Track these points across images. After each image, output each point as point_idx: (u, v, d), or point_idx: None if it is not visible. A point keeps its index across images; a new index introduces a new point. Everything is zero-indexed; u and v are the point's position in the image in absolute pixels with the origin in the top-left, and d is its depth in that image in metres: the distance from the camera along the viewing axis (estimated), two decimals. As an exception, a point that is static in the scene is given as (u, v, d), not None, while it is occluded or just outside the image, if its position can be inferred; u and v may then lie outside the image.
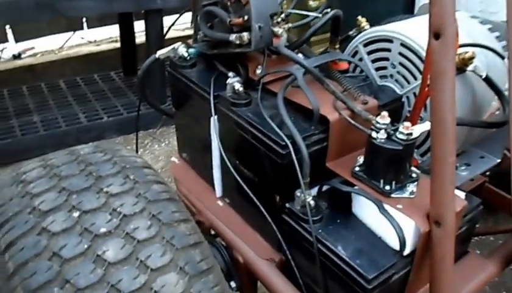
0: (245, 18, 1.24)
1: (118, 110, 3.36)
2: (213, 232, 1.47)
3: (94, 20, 4.19)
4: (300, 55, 1.39)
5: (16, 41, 3.97)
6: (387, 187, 1.08)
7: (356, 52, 1.49)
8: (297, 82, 1.21)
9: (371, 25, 1.52)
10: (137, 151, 1.99)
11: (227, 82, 1.27)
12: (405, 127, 1.05)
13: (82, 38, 4.42)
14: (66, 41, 4.32)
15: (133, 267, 0.87)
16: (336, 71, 1.30)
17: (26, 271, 0.85)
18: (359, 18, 1.53)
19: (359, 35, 1.47)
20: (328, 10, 1.46)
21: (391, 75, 1.41)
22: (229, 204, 1.44)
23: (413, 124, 1.21)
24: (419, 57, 1.31)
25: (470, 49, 1.27)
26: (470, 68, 1.28)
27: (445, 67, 0.91)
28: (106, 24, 4.23)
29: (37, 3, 2.74)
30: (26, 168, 1.10)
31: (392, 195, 1.09)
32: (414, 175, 1.12)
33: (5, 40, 3.95)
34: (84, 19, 4.21)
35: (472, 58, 1.26)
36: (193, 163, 1.60)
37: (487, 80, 1.30)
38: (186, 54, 1.44)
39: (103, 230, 0.90)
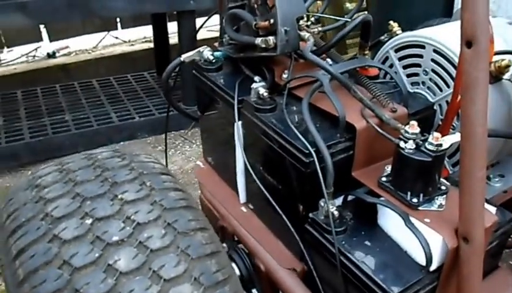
0: (271, 21, 1.21)
1: (150, 111, 3.37)
2: (236, 238, 1.44)
3: (128, 20, 4.22)
4: (328, 60, 1.35)
5: (51, 40, 4.02)
6: (415, 200, 1.03)
7: (387, 58, 1.44)
8: (323, 88, 1.17)
9: (408, 29, 1.46)
10: (166, 152, 1.98)
11: (252, 86, 1.23)
12: (434, 138, 1.00)
13: (116, 37, 4.47)
14: (100, 41, 4.38)
15: (145, 277, 0.84)
16: (364, 77, 1.25)
17: (36, 279, 0.83)
18: (391, 22, 1.47)
19: (390, 40, 1.42)
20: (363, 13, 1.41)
21: (423, 83, 1.35)
22: (252, 211, 1.41)
23: (444, 134, 1.16)
24: (453, 64, 1.25)
25: (507, 57, 1.21)
26: (506, 76, 1.22)
27: (478, 77, 0.85)
28: (140, 25, 4.26)
29: (70, 3, 2.77)
30: (42, 172, 1.09)
31: (420, 208, 1.03)
32: (443, 187, 1.07)
33: (40, 39, 4.01)
34: (118, 20, 4.24)
35: (508, 66, 1.20)
36: (218, 167, 1.58)
37: (525, 89, 1.23)
38: (211, 57, 1.42)
39: (115, 238, 0.88)
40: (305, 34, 1.23)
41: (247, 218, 1.39)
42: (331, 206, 1.07)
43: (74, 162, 1.10)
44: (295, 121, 1.16)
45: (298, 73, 1.27)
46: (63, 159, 1.14)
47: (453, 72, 1.25)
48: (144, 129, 3.27)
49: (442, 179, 1.09)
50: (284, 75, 1.29)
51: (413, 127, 1.03)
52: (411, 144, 1.01)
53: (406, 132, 1.03)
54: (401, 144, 1.02)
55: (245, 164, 1.30)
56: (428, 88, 1.34)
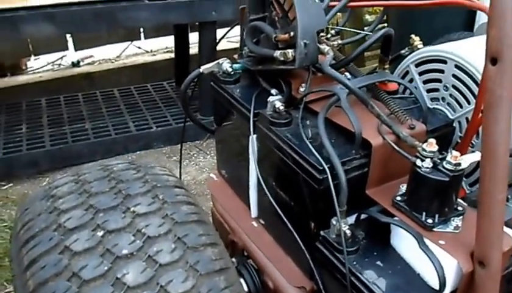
0: (291, 34, 1.20)
1: (167, 120, 3.39)
2: (245, 253, 1.42)
3: (151, 31, 4.26)
4: (346, 74, 1.33)
5: (76, 49, 4.08)
6: (430, 220, 1.00)
7: (407, 72, 1.41)
8: (340, 103, 1.15)
9: (428, 42, 1.44)
10: (181, 163, 1.98)
11: (268, 100, 1.22)
12: (453, 157, 0.97)
13: (139, 47, 4.51)
14: (123, 51, 4.42)
15: (152, 292, 0.83)
16: (383, 92, 1.22)
17: (45, 291, 0.83)
18: (413, 36, 1.45)
19: (411, 55, 1.40)
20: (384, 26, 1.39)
21: (443, 98, 1.33)
22: (263, 226, 1.39)
23: (463, 152, 1.13)
24: (474, 80, 1.23)
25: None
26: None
27: (501, 95, 0.83)
28: (162, 35, 4.29)
29: (96, 14, 2.82)
30: (59, 182, 1.10)
31: (435, 229, 1.00)
32: (460, 208, 1.03)
33: (66, 48, 4.07)
34: (141, 30, 4.28)
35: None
36: (231, 180, 1.56)
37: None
38: (230, 69, 1.41)
39: (125, 252, 0.87)
40: (324, 47, 1.21)
41: (258, 233, 1.38)
42: (344, 224, 1.05)
43: (91, 173, 1.11)
44: (311, 135, 1.14)
45: (316, 87, 1.26)
46: (81, 169, 1.15)
47: (475, 88, 1.23)
48: (160, 138, 3.28)
49: (459, 200, 1.06)
50: (302, 89, 1.28)
51: (431, 145, 1.00)
52: (428, 163, 0.99)
53: (424, 150, 1.01)
54: (418, 162, 1.00)
55: (258, 178, 1.29)
56: (448, 104, 1.31)
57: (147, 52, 4.52)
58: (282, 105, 1.20)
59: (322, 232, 1.10)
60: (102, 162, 1.19)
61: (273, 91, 1.30)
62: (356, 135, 1.08)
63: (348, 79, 1.28)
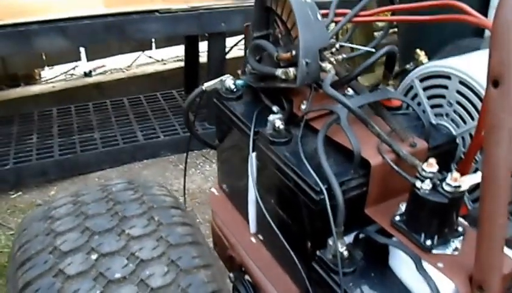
0: (293, 52, 1.19)
1: (175, 129, 3.40)
2: (243, 269, 1.41)
3: (162, 40, 4.27)
4: (349, 89, 1.31)
5: (88, 59, 4.11)
6: (429, 242, 0.98)
7: (411, 87, 1.39)
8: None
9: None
10: (185, 172, 1.98)
11: (268, 118, 1.21)
12: (453, 178, 0.95)
13: (150, 57, 4.54)
14: (135, 60, 4.45)
15: (143, 315, 0.83)
16: (385, 108, 1.21)
17: None
18: (418, 50, 1.43)
19: (415, 70, 1.37)
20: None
21: (447, 114, 1.30)
22: (262, 242, 1.37)
23: (466, 169, 1.11)
24: (479, 96, 1.20)
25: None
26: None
27: (504, 118, 0.80)
28: (173, 44, 4.31)
29: (106, 26, 2.85)
30: (58, 203, 1.10)
31: (434, 251, 0.98)
32: (460, 229, 1.01)
33: (78, 59, 4.11)
34: (153, 40, 4.29)
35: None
36: (231, 195, 1.55)
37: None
38: (233, 86, 1.40)
39: (117, 276, 0.87)
40: (326, 65, 1.20)
41: (256, 249, 1.36)
42: (341, 245, 1.03)
43: (89, 194, 1.13)
44: (310, 155, 1.12)
45: (317, 104, 1.24)
46: (80, 190, 1.16)
47: (479, 104, 1.20)
48: (167, 147, 3.30)
49: (460, 219, 1.04)
50: (303, 106, 1.26)
51: (431, 166, 0.98)
52: (427, 184, 0.96)
53: (423, 170, 0.98)
54: (417, 183, 0.98)
55: (253, 196, 1.28)
56: (452, 120, 1.29)
57: (158, 61, 4.54)
58: (282, 124, 1.19)
59: (318, 252, 1.08)
60: (102, 183, 1.20)
61: (275, 108, 1.29)
62: (354, 154, 1.06)
63: (351, 96, 1.27)
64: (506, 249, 1.01)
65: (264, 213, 1.21)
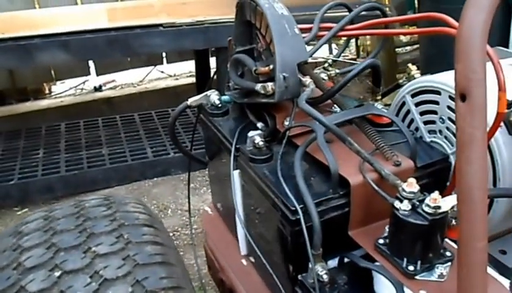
0: (271, 67, 1.16)
1: (186, 147, 3.34)
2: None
3: (174, 55, 4.28)
4: (335, 106, 1.27)
5: (98, 74, 4.13)
6: (411, 267, 0.93)
7: (404, 103, 1.34)
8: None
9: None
10: (189, 191, 1.94)
11: (248, 135, 1.17)
12: (432, 199, 0.90)
13: (162, 72, 4.55)
14: (147, 75, 4.46)
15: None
16: (369, 125, 1.16)
17: None
18: (409, 65, 1.38)
19: (407, 84, 1.33)
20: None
21: (440, 131, 1.25)
22: (253, 265, 1.33)
23: (450, 192, 1.06)
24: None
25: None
26: (528, 127, 1.10)
27: (473, 134, 0.75)
28: (185, 59, 4.31)
29: (109, 41, 2.85)
30: (29, 218, 1.09)
31: (417, 277, 0.92)
32: (448, 254, 0.95)
33: (88, 73, 4.13)
34: (164, 54, 4.30)
35: (530, 113, 1.08)
36: (224, 215, 1.51)
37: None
38: (217, 102, 1.37)
39: (79, 294, 0.84)
40: (306, 80, 1.16)
41: (246, 273, 1.31)
42: (321, 268, 0.98)
43: (62, 209, 1.11)
44: (289, 173, 1.08)
45: (299, 121, 1.20)
46: (54, 205, 1.14)
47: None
48: (178, 165, 3.22)
49: (449, 242, 0.98)
50: (286, 123, 1.23)
51: (411, 186, 0.93)
52: (406, 205, 0.92)
53: (404, 190, 0.94)
54: (397, 204, 0.93)
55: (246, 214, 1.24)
56: (446, 137, 1.24)
57: (171, 76, 4.55)
58: (262, 141, 1.15)
59: (299, 276, 1.04)
60: (79, 198, 1.17)
61: (259, 124, 1.26)
62: (332, 173, 1.02)
63: (335, 112, 1.23)
64: (499, 277, 0.96)
65: (246, 234, 1.17)
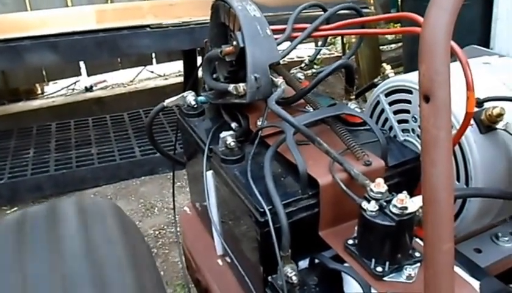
0: (234, 43, 1.16)
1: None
2: (209, 293, 1.36)
3: (163, 55, 4.27)
4: (307, 106, 1.27)
5: (89, 74, 4.12)
6: (379, 269, 0.92)
7: (378, 102, 1.34)
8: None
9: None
10: (173, 189, 1.94)
11: (220, 135, 1.17)
12: (399, 200, 0.89)
13: (152, 72, 4.54)
14: (137, 75, 4.45)
15: None
16: (341, 125, 1.15)
17: None
18: (384, 64, 1.38)
19: (381, 84, 1.33)
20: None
21: (413, 130, 1.25)
22: (229, 265, 1.32)
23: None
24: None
25: (500, 104, 1.09)
26: (500, 125, 1.10)
27: (437, 135, 0.75)
28: (174, 59, 4.30)
29: (97, 42, 2.85)
30: None
31: (385, 278, 0.92)
32: (417, 254, 0.95)
33: (79, 74, 4.12)
34: (153, 55, 4.29)
35: (500, 114, 1.08)
36: (202, 215, 1.51)
37: (523, 140, 1.09)
38: (193, 102, 1.37)
39: None
40: (278, 80, 1.16)
41: (221, 273, 1.31)
42: (291, 270, 0.98)
43: None
44: (259, 174, 1.08)
45: (272, 121, 1.20)
46: None
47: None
48: (165, 164, 3.22)
49: (420, 242, 0.98)
50: (259, 123, 1.22)
51: (378, 186, 0.93)
52: (373, 206, 0.91)
53: (372, 190, 0.93)
54: (364, 204, 0.92)
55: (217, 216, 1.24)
56: (418, 136, 1.24)
57: (160, 76, 4.54)
58: (234, 142, 1.15)
59: (269, 278, 1.03)
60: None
61: (233, 125, 1.25)
62: (300, 173, 1.01)
63: (308, 112, 1.22)
64: (469, 279, 0.96)
65: (228, 232, 1.17)
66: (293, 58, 4.25)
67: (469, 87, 0.97)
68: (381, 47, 4.34)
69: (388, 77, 1.34)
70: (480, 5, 2.72)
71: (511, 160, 1.13)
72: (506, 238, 1.32)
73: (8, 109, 3.93)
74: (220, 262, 1.35)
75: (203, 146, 1.25)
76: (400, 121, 1.29)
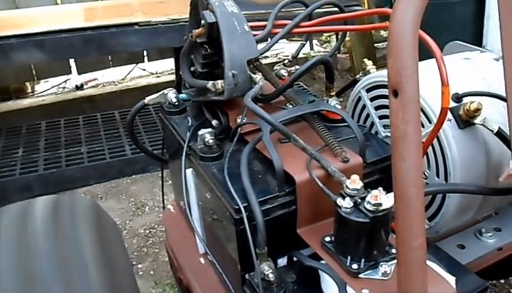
0: (202, 22, 1.16)
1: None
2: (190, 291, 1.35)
3: (154, 53, 4.24)
4: (288, 104, 1.26)
5: (79, 73, 4.10)
6: (355, 266, 0.92)
7: (359, 98, 1.34)
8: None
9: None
10: (162, 187, 1.93)
11: (198, 133, 1.16)
12: (372, 197, 0.89)
13: (144, 69, 4.52)
14: (129, 73, 4.43)
15: None
16: (319, 121, 1.15)
17: None
18: (365, 60, 1.38)
19: (362, 80, 1.32)
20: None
21: (394, 126, 1.24)
22: (210, 263, 1.31)
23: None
24: (421, 108, 1.14)
25: (477, 99, 1.09)
26: (478, 120, 1.09)
27: (406, 130, 0.74)
28: (165, 57, 4.27)
29: (85, 40, 2.81)
30: None
31: (361, 275, 0.92)
32: (393, 251, 0.95)
33: (69, 72, 4.10)
34: (145, 53, 4.27)
35: (478, 109, 1.07)
36: (185, 213, 1.50)
37: (500, 135, 1.08)
38: (174, 100, 1.36)
39: None
40: (256, 77, 1.15)
41: (203, 271, 1.30)
42: (267, 268, 0.97)
43: None
44: (237, 171, 1.07)
45: (252, 118, 1.19)
46: None
47: (423, 116, 1.14)
48: (156, 162, 3.15)
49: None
50: (239, 120, 1.22)
51: (354, 182, 0.92)
52: (348, 203, 0.91)
53: (347, 187, 0.93)
54: (339, 201, 0.92)
55: (198, 213, 1.23)
56: (400, 132, 1.23)
57: (152, 74, 4.52)
58: (212, 139, 1.14)
59: (247, 276, 1.03)
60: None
61: (213, 122, 1.25)
62: (276, 170, 1.01)
63: (286, 109, 1.22)
64: (445, 275, 0.95)
65: (209, 230, 1.16)
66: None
67: (444, 82, 0.97)
68: (375, 44, 4.33)
69: (369, 73, 1.33)
70: (473, 3, 2.73)
71: (490, 155, 1.13)
72: (490, 234, 1.33)
73: (-2, 108, 3.91)
74: (202, 260, 1.34)
75: (183, 143, 1.25)
76: (381, 117, 1.28)
